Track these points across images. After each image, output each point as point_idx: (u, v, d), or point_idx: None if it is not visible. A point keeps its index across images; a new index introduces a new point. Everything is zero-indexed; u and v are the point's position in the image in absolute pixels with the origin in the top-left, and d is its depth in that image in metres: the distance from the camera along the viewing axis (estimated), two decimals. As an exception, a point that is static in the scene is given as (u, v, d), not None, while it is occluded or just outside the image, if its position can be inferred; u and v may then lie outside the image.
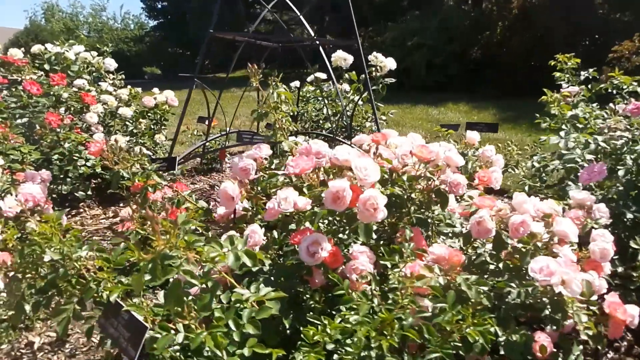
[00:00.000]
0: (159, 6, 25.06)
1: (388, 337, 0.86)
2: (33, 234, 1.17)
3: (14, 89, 3.35)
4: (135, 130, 3.61)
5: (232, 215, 2.00)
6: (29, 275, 1.15)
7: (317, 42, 3.38)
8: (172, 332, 0.88)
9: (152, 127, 3.68)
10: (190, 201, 1.77)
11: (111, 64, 4.06)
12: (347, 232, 1.36)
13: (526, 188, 2.25)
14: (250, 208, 1.55)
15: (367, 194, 1.14)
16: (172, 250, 0.78)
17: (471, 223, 1.26)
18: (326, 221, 1.43)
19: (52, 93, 3.30)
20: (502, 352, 1.17)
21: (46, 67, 3.80)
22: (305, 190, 1.47)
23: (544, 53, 9.89)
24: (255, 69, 1.75)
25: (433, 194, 1.46)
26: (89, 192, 3.23)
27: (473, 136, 2.19)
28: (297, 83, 4.42)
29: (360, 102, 4.35)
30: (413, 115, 7.69)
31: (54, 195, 3.03)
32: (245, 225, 1.47)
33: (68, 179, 3.10)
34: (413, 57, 9.91)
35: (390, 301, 1.05)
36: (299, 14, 3.29)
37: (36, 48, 3.81)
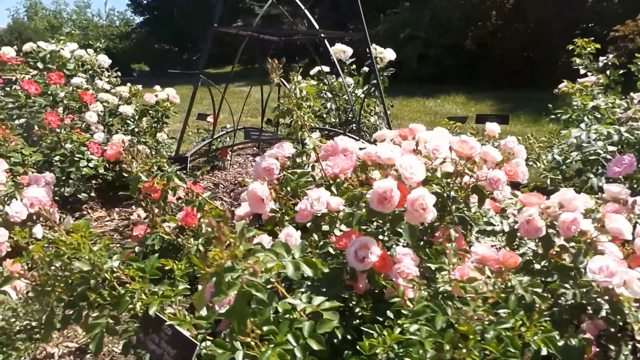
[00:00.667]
0: (145, 2, 24.71)
1: (464, 351, 0.80)
2: (60, 244, 1.09)
3: (9, 89, 3.23)
4: (136, 129, 3.50)
5: (251, 217, 1.94)
6: (58, 288, 1.07)
7: (322, 35, 3.30)
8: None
9: (154, 125, 3.58)
10: (212, 204, 1.70)
11: (105, 60, 3.95)
12: (386, 233, 1.30)
13: (547, 181, 2.21)
14: (278, 209, 1.49)
15: (415, 194, 1.08)
16: (235, 261, 0.72)
17: (520, 222, 1.21)
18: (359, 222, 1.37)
19: (49, 92, 3.18)
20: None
21: (40, 65, 3.68)
22: (334, 189, 1.42)
23: (537, 45, 9.95)
24: (276, 65, 1.68)
25: (470, 190, 1.40)
26: (92, 194, 3.13)
27: (493, 128, 2.13)
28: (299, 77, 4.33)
29: (361, 95, 4.29)
30: (410, 107, 7.64)
31: (56, 198, 2.93)
32: (276, 228, 1.40)
33: (70, 181, 3.00)
34: (406, 49, 9.84)
35: (447, 307, 0.99)
36: (303, 7, 3.21)
37: (28, 46, 3.68)
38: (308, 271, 0.83)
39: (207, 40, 2.73)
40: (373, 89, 3.97)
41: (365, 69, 4.36)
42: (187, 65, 23.54)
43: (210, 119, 4.27)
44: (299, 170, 1.69)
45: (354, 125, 3.69)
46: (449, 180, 1.37)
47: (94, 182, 3.39)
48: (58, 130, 2.98)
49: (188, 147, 4.52)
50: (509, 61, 9.89)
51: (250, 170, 4.33)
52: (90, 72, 3.90)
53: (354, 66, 4.31)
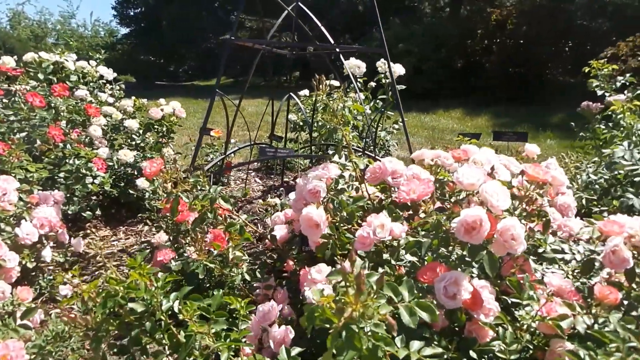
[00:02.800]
0: (132, 13, 24.55)
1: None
2: (111, 282, 0.97)
3: (7, 101, 3.08)
4: (142, 144, 3.37)
5: (286, 241, 1.83)
6: (110, 329, 0.95)
7: (337, 50, 3.23)
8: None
9: (160, 140, 3.45)
10: (252, 226, 1.59)
11: (108, 73, 3.82)
12: (456, 262, 1.21)
13: (583, 202, 2.16)
14: (330, 235, 1.38)
15: (506, 224, 0.99)
16: (367, 310, 0.62)
17: (605, 252, 1.13)
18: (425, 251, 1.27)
19: (52, 105, 3.04)
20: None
21: (40, 76, 3.53)
22: (390, 213, 1.32)
23: (525, 61, 10.10)
24: (322, 80, 1.59)
25: (536, 217, 1.32)
26: (97, 212, 2.97)
27: (532, 149, 2.07)
28: (306, 92, 4.26)
29: (368, 110, 4.23)
30: (407, 122, 7.62)
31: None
32: (339, 257, 1.29)
33: (75, 198, 2.85)
34: (400, 63, 9.88)
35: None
36: (319, 24, 3.14)
37: (29, 56, 3.54)
38: (424, 316, 0.74)
39: (224, 52, 2.63)
40: (382, 104, 3.92)
41: (373, 84, 4.31)
42: (173, 77, 23.37)
43: (213, 133, 4.15)
44: (349, 194, 1.60)
45: (368, 140, 3.61)
46: (516, 206, 1.29)
47: (95, 199, 3.23)
48: (61, 145, 2.84)
49: (187, 162, 4.39)
50: (499, 76, 10.02)
51: (254, 186, 4.22)
52: (91, 84, 3.76)
53: (360, 81, 4.26)
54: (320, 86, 1.60)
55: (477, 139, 3.88)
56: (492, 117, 7.97)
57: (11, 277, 1.84)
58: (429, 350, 0.81)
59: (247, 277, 1.45)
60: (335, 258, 1.30)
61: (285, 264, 1.70)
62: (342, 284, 0.74)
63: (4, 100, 3.08)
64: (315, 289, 1.22)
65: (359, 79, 4.19)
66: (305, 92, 4.26)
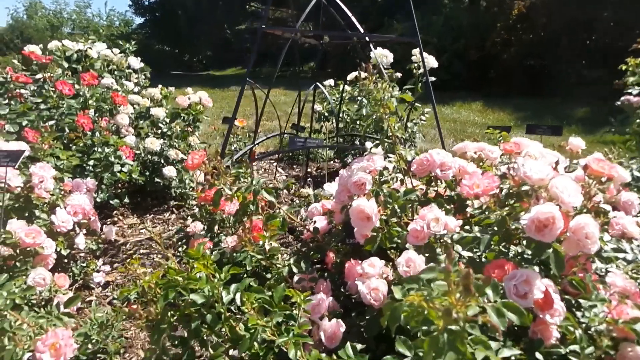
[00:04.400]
0: (147, 3, 24.57)
1: None
2: (171, 272, 0.95)
3: (35, 88, 3.07)
4: (168, 133, 3.35)
5: (326, 233, 1.79)
6: (170, 322, 0.93)
7: (367, 39, 3.18)
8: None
9: (186, 129, 3.43)
10: (293, 218, 1.56)
11: (136, 63, 3.80)
12: (515, 259, 1.16)
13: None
14: (380, 228, 1.34)
15: (580, 222, 0.95)
16: (469, 311, 0.58)
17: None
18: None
19: (81, 93, 3.03)
20: None
21: (65, 64, 3.52)
22: (439, 207, 1.28)
23: (545, 54, 9.90)
24: (369, 68, 1.55)
25: (594, 213, 1.27)
26: (125, 200, 2.97)
27: (577, 143, 2.00)
28: (331, 82, 4.21)
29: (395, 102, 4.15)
30: (427, 114, 7.53)
31: (88, 205, 2.77)
32: (391, 251, 1.26)
33: (103, 186, 2.84)
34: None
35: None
36: (350, 14, 3.08)
37: (54, 45, 3.52)
38: (513, 318, 0.70)
39: (256, 40, 2.58)
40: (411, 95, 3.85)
41: (398, 74, 4.23)
42: (187, 67, 23.38)
43: (237, 122, 4.13)
44: (388, 186, 1.56)
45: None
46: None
47: (120, 186, 3.23)
48: (90, 133, 2.83)
49: (211, 151, 4.38)
50: (518, 69, 9.84)
51: (278, 177, 4.19)
52: (115, 72, 3.74)
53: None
54: (367, 75, 1.55)
55: (508, 132, 3.79)
56: (513, 110, 7.83)
57: (48, 263, 1.84)
58: (506, 351, 0.77)
59: (295, 269, 1.42)
60: (389, 252, 1.26)
61: (325, 256, 1.67)
62: (439, 282, 0.70)
63: (33, 88, 3.07)
64: (372, 284, 1.19)
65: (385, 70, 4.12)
66: (330, 82, 4.21)
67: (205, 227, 2.06)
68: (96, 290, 2.10)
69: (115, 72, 3.71)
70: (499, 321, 0.68)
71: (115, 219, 3.02)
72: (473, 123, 7.16)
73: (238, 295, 0.92)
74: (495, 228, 1.16)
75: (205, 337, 0.94)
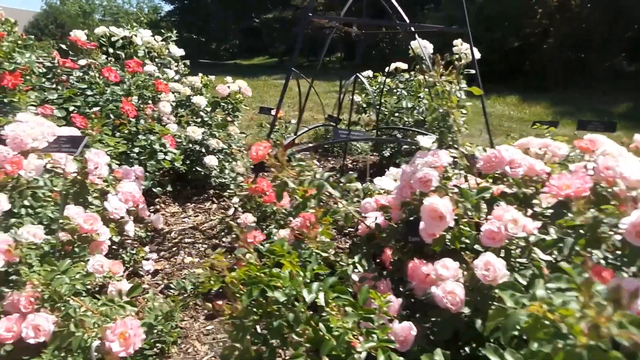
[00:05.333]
0: (176, -9, 24.72)
1: None
2: (252, 268, 0.92)
3: (81, 74, 3.10)
4: (209, 122, 3.35)
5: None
6: (255, 320, 0.91)
7: (412, 28, 3.10)
8: None
9: (227, 118, 3.43)
10: (357, 216, 1.52)
11: (177, 51, 3.80)
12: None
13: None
14: (450, 227, 1.29)
15: (689, 228, 0.88)
16: (611, 324, 0.54)
17: None
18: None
19: (126, 80, 3.04)
20: None
21: (109, 51, 3.55)
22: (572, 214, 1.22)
23: (588, 45, 9.56)
24: (437, 60, 1.49)
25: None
26: (168, 188, 2.99)
27: (645, 140, 1.90)
28: (369, 72, 4.14)
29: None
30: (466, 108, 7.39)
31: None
32: (466, 252, 1.21)
33: (147, 174, 2.86)
34: (452, 45, 9.55)
35: None
36: (395, 3, 3.01)
37: (100, 30, 3.56)
38: (634, 330, 0.65)
39: (302, 28, 2.54)
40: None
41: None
42: (214, 55, 23.50)
43: (274, 112, 4.10)
44: (444, 183, 1.51)
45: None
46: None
47: (159, 174, 3.25)
48: (134, 120, 2.85)
49: (253, 142, 4.37)
50: (556, 61, 9.53)
51: (320, 169, 4.16)
52: (156, 60, 3.76)
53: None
54: (435, 67, 1.50)
55: (556, 127, 3.66)
56: (550, 104, 7.60)
57: (102, 250, 1.85)
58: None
59: (360, 268, 1.39)
60: (463, 254, 1.21)
61: (382, 253, 1.63)
62: (570, 293, 0.65)
63: (78, 74, 3.10)
64: (447, 287, 1.15)
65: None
66: (369, 73, 4.14)
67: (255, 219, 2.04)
68: (146, 278, 2.11)
69: (157, 60, 3.72)
70: (620, 332, 0.63)
71: (158, 206, 3.05)
72: (509, 117, 6.98)
73: (322, 295, 0.89)
74: (581, 231, 1.10)
75: (286, 336, 0.91)
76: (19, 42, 2.65)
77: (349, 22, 3.10)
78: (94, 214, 1.76)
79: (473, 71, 3.89)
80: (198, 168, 3.20)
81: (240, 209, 2.03)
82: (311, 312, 0.94)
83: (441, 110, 1.50)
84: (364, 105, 4.05)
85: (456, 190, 1.45)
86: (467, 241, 1.31)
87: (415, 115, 3.91)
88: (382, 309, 0.94)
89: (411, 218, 1.57)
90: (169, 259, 2.32)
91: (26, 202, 1.69)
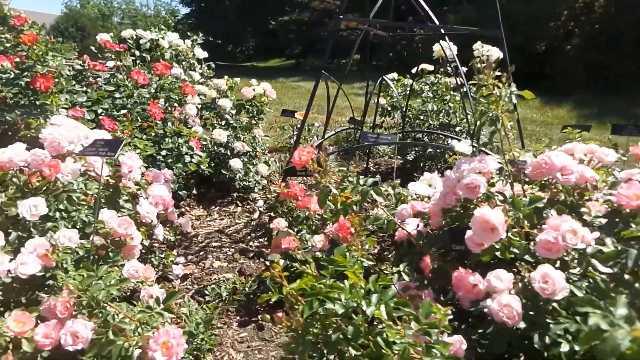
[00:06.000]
0: (194, -7, 24.95)
1: None
2: (309, 279, 0.89)
3: (108, 76, 3.11)
4: (234, 124, 3.34)
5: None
6: (315, 333, 0.87)
7: (442, 31, 3.04)
8: None
9: (252, 121, 3.41)
10: (397, 223, 1.48)
11: (201, 54, 3.80)
12: None
13: None
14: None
15: None
16: None
17: None
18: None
19: (154, 83, 3.04)
20: None
21: (136, 53, 3.56)
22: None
23: (611, 46, 9.36)
24: (490, 64, 1.44)
25: None
26: (194, 191, 2.98)
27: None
28: (394, 75, 4.09)
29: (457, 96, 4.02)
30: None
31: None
32: (520, 262, 1.15)
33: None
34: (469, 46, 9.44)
35: None
36: (424, 5, 2.96)
37: (127, 33, 3.57)
38: None
39: (333, 30, 2.51)
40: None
41: (465, 69, 4.08)
42: (230, 57, 23.62)
43: (297, 115, 4.08)
44: (499, 189, 1.46)
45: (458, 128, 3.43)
46: None
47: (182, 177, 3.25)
48: (161, 123, 2.84)
49: (274, 145, 4.35)
50: (579, 63, 9.35)
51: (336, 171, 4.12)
52: (183, 62, 3.76)
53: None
54: (485, 69, 1.45)
55: (588, 131, 3.57)
56: (574, 107, 7.45)
57: (134, 254, 1.83)
58: None
59: (406, 277, 1.34)
60: (518, 264, 1.16)
61: (421, 261, 1.59)
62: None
63: (105, 76, 3.11)
64: (503, 300, 1.10)
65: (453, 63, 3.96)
66: (394, 75, 4.09)
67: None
68: (175, 283, 2.09)
69: (183, 63, 3.73)
70: None
71: (183, 209, 3.04)
72: (532, 120, 6.87)
73: (383, 308, 0.85)
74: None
75: (343, 350, 0.87)
76: (49, 45, 2.66)
77: (377, 24, 3.06)
78: (128, 218, 1.74)
79: (497, 73, 3.81)
80: (223, 171, 3.19)
81: (267, 212, 2.00)
82: (371, 326, 0.90)
83: (491, 115, 1.44)
84: (389, 108, 4.00)
85: (501, 197, 1.41)
86: (517, 251, 1.27)
87: (441, 118, 3.85)
88: (442, 323, 0.90)
89: (454, 225, 1.53)
90: (197, 263, 2.30)
91: (61, 206, 1.68)
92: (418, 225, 1.57)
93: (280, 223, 1.91)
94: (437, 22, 3.03)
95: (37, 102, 2.48)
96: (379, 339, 0.87)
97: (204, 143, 3.15)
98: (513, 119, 3.74)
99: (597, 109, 7.05)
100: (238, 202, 3.22)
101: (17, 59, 2.60)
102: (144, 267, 1.79)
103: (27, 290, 1.50)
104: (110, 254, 1.69)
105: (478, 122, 1.46)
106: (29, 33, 2.49)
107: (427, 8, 3.03)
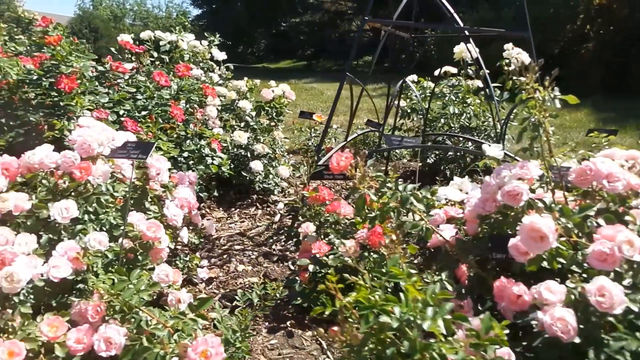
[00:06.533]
0: (205, -6, 25.01)
1: None
2: (362, 291, 0.85)
3: (127, 77, 3.10)
4: (255, 126, 3.31)
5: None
6: (372, 349, 0.84)
7: (467, 33, 3.00)
8: None
9: (272, 123, 3.38)
10: (435, 230, 1.44)
11: (220, 55, 3.78)
12: None
13: None
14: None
15: None
16: None
17: None
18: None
19: (175, 84, 3.03)
20: None
21: (154, 54, 3.55)
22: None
23: (629, 48, 9.21)
24: (533, 67, 1.40)
25: None
26: (215, 193, 2.96)
27: None
28: (414, 77, 4.05)
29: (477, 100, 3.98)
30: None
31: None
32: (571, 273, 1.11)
33: (194, 179, 2.83)
34: (489, 49, 9.35)
35: None
36: (448, 6, 2.92)
37: (146, 34, 3.56)
38: None
39: (359, 31, 2.48)
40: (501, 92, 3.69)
41: (487, 71, 4.04)
42: (242, 59, 23.64)
43: (315, 117, 4.05)
44: (539, 196, 1.41)
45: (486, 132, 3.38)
46: None
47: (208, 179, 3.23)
48: (182, 124, 2.82)
49: (291, 146, 4.33)
50: (596, 65, 9.22)
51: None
52: (201, 64, 3.75)
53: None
54: (528, 73, 1.41)
55: (615, 135, 3.50)
56: (592, 110, 7.34)
57: (162, 257, 1.81)
58: None
59: (449, 287, 1.30)
60: (571, 275, 1.12)
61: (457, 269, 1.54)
62: None
63: (125, 77, 3.11)
64: (556, 313, 1.05)
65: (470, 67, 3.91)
66: (414, 77, 4.05)
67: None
68: (201, 286, 2.07)
69: (201, 64, 3.71)
70: None
71: (204, 211, 3.02)
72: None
73: (441, 322, 0.82)
74: None
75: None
76: (72, 45, 2.66)
77: (403, 26, 3.03)
78: (157, 222, 1.72)
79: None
80: (243, 173, 3.16)
81: (288, 215, 1.97)
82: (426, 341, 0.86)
83: (533, 120, 1.40)
84: (408, 111, 3.96)
85: (540, 204, 1.37)
86: (563, 261, 1.22)
87: (461, 120, 3.80)
88: (501, 338, 0.86)
89: (493, 233, 1.49)
90: (221, 266, 2.28)
91: (89, 208, 1.66)
92: (456, 232, 1.53)
93: (309, 227, 1.88)
94: (461, 24, 2.98)
95: (61, 103, 2.48)
96: (434, 354, 0.83)
97: (224, 145, 3.13)
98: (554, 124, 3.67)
99: (615, 112, 6.94)
100: (258, 205, 3.19)
101: (40, 61, 2.60)
102: (173, 271, 1.77)
103: (57, 293, 1.49)
104: (139, 257, 1.67)
105: (519, 128, 1.41)
106: (56, 34, 2.48)
107: (452, 10, 2.99)
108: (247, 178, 3.17)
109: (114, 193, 1.78)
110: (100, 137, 1.67)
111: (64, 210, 1.47)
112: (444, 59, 4.06)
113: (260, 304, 1.57)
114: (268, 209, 3.12)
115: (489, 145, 2.13)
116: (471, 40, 3.09)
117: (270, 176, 3.28)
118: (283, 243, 2.53)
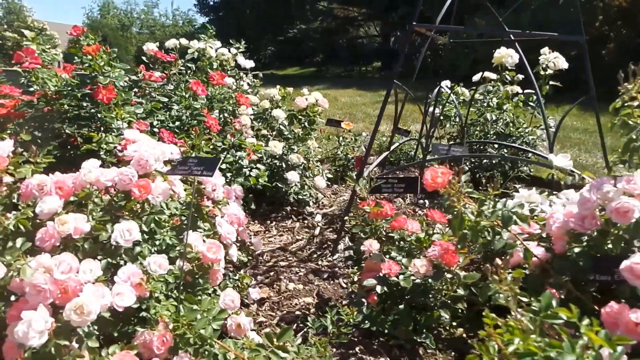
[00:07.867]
0: (211, 3, 25.10)
1: None
2: (516, 333, 0.74)
3: (157, 87, 3.01)
4: (289, 135, 3.21)
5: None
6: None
7: (512, 37, 2.89)
8: None
9: (306, 133, 3.28)
10: (529, 249, 1.32)
11: (247, 63, 3.69)
12: None
13: None
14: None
15: None
16: None
17: None
18: None
19: (210, 94, 2.94)
20: None
21: (180, 62, 3.47)
22: None
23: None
24: (638, 71, 1.29)
25: None
26: (252, 206, 2.85)
27: None
28: (447, 82, 3.94)
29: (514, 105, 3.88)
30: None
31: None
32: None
33: (233, 192, 2.73)
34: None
35: None
36: (493, 10, 2.82)
37: (172, 43, 3.48)
38: None
39: (406, 36, 2.37)
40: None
41: (520, 76, 3.95)
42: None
43: (343, 125, 3.94)
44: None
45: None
46: None
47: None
48: (216, 135, 2.73)
49: (321, 156, 4.22)
50: (617, 67, 9.07)
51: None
52: (229, 72, 3.66)
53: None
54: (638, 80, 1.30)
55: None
56: (615, 114, 7.18)
57: (217, 279, 1.70)
58: None
59: (564, 316, 1.18)
60: None
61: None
62: None
63: (156, 86, 3.02)
64: None
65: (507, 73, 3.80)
66: (447, 82, 3.94)
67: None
68: (252, 307, 1.96)
69: (229, 72, 3.62)
70: None
71: (240, 225, 2.90)
72: (574, 128, 6.66)
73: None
74: None
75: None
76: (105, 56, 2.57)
77: (446, 30, 2.92)
78: (216, 242, 1.61)
79: (557, 83, 3.66)
80: (279, 184, 3.06)
81: (327, 228, 1.85)
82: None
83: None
84: (441, 118, 3.85)
85: None
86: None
87: (497, 127, 3.69)
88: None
89: (591, 252, 1.37)
90: (270, 285, 2.16)
91: (145, 228, 1.56)
92: (547, 250, 1.41)
93: (372, 245, 1.76)
94: (506, 28, 2.88)
95: (99, 115, 2.39)
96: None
97: (259, 155, 3.03)
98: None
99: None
100: (293, 217, 3.08)
101: (75, 71, 2.52)
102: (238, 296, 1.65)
103: (118, 323, 1.38)
104: (200, 280, 1.56)
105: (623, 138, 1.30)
106: (94, 44, 2.40)
107: (496, 14, 2.89)
108: (282, 189, 3.06)
109: (172, 212, 1.68)
110: (155, 152, 1.57)
111: (126, 233, 1.37)
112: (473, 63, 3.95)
113: (335, 331, 1.45)
114: (305, 222, 3.01)
115: (555, 156, 2.01)
116: (517, 45, 2.97)
117: (306, 187, 3.17)
118: (330, 258, 2.42)
